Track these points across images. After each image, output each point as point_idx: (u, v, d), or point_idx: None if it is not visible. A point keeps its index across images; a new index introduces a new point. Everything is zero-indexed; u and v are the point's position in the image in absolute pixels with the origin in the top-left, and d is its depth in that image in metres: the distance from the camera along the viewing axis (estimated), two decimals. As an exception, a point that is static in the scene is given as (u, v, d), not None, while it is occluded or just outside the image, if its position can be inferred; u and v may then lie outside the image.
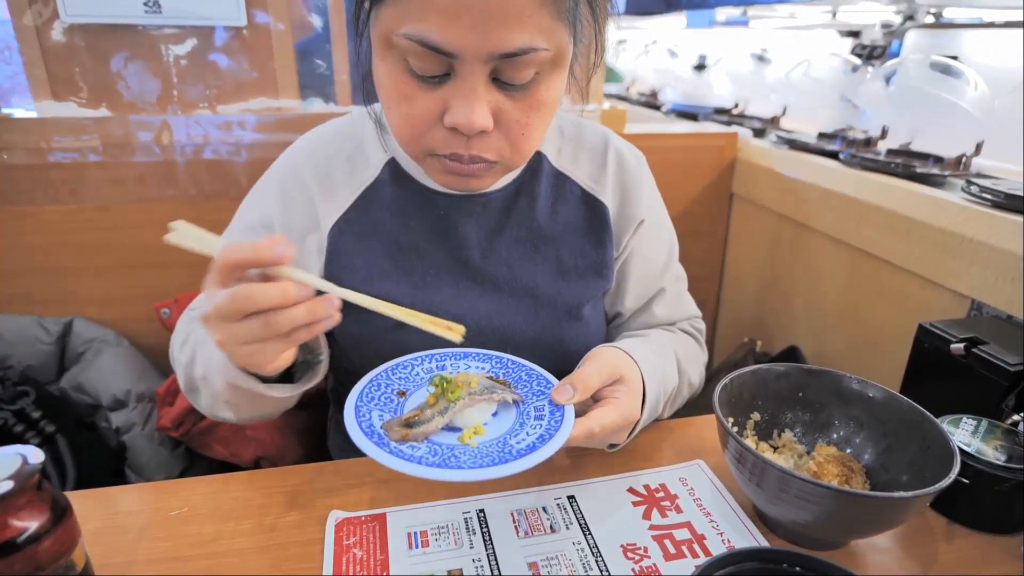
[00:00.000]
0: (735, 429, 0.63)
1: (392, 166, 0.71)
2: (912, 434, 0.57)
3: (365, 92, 0.67)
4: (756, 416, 0.64)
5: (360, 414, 0.53)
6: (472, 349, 0.65)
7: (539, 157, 0.73)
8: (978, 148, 1.05)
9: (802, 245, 1.18)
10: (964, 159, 1.05)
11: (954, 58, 1.07)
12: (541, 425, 0.54)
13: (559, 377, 0.60)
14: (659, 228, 0.79)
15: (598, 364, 0.60)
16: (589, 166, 0.75)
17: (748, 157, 1.32)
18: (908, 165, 1.04)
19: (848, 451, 0.62)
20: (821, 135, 1.29)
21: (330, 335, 0.78)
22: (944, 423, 0.59)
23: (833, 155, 1.19)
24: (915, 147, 1.09)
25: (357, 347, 0.72)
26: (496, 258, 0.71)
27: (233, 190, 1.13)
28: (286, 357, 0.54)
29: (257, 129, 1.12)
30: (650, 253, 0.78)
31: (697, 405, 0.79)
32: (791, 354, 1.17)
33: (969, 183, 0.92)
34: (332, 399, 0.92)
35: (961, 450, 0.54)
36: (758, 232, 1.32)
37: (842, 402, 0.63)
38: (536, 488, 0.62)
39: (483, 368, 0.62)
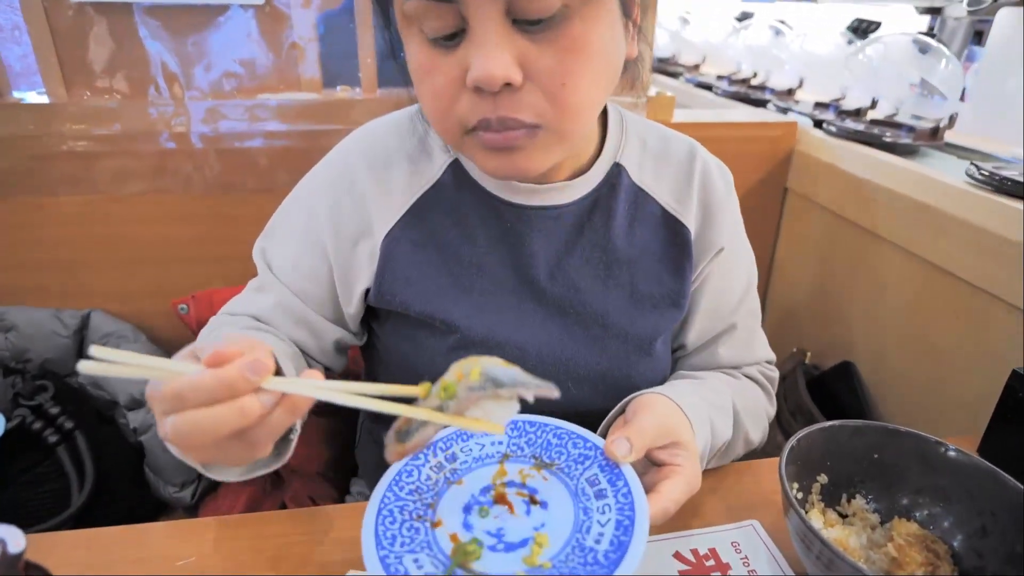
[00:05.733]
0: (799, 495, 0.56)
1: (456, 168, 0.64)
2: (1015, 518, 0.49)
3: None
4: (823, 478, 0.57)
5: (391, 568, 0.41)
6: None
7: (619, 170, 0.65)
8: (952, 120, 1.12)
9: (864, 252, 1.08)
10: (939, 129, 1.11)
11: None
12: (608, 506, 0.45)
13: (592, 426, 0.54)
14: (738, 258, 0.70)
15: (654, 420, 0.53)
16: (672, 184, 0.67)
17: (807, 149, 1.21)
18: (881, 134, 1.12)
19: (931, 529, 0.54)
20: (817, 104, 1.31)
21: (373, 351, 0.72)
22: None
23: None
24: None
25: (405, 366, 0.66)
26: (564, 279, 0.64)
27: (251, 181, 1.07)
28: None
29: (277, 116, 1.05)
30: (724, 285, 0.69)
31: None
32: (845, 370, 1.08)
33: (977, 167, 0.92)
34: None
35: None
36: (813, 232, 1.22)
37: (927, 469, 0.55)
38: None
39: (499, 443, 0.53)
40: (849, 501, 0.57)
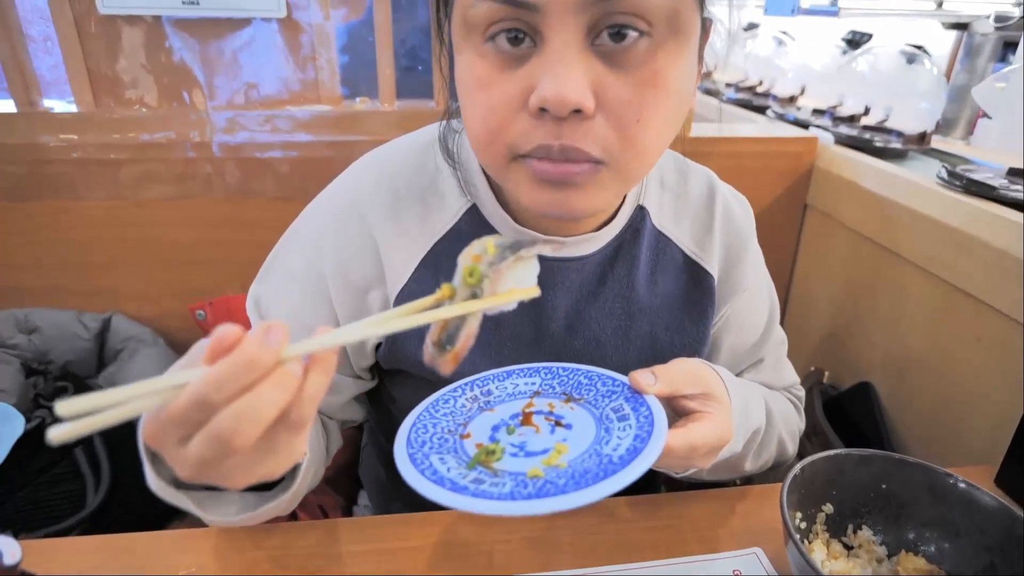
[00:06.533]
0: (803, 524, 0.54)
1: (473, 215, 0.59)
2: (1024, 558, 0.48)
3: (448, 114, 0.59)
4: (828, 508, 0.56)
5: (417, 463, 0.43)
6: (515, 367, 0.56)
7: (642, 214, 0.62)
8: (937, 126, 1.16)
9: (886, 272, 1.06)
10: (926, 135, 1.14)
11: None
12: (630, 425, 0.45)
13: None
14: (760, 293, 0.69)
15: (685, 366, 0.52)
16: (693, 226, 0.64)
17: (828, 166, 1.19)
18: (871, 139, 1.16)
19: (940, 564, 0.52)
20: (815, 111, 1.31)
21: (379, 399, 0.70)
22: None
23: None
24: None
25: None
26: (585, 332, 0.61)
27: (271, 188, 1.08)
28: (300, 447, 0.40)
29: (297, 126, 1.06)
30: (748, 322, 0.68)
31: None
32: (863, 391, 1.05)
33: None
34: (367, 430, 0.87)
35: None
36: (834, 250, 1.19)
37: (936, 502, 0.53)
38: (567, 572, 0.55)
39: (532, 383, 0.54)
40: (855, 532, 0.56)
